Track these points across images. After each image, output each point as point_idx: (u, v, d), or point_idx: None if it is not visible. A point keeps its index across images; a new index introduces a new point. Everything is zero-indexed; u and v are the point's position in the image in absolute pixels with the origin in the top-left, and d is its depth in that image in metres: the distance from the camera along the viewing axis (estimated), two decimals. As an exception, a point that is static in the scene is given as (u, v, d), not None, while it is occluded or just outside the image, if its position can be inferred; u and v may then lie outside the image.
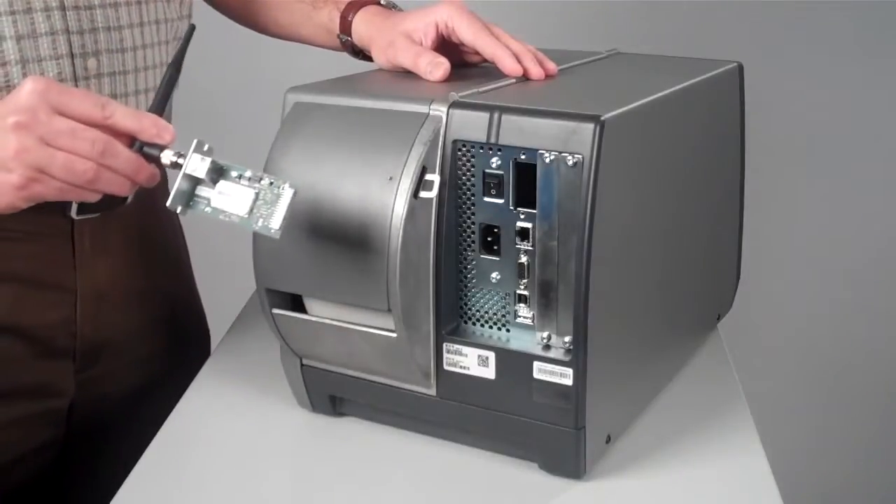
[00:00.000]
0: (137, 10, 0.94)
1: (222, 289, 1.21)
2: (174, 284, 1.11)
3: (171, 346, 1.08)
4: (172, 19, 0.99)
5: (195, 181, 0.76)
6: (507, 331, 0.82)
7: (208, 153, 0.76)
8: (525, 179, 0.79)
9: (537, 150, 0.77)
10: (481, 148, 0.78)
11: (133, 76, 0.94)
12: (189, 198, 0.76)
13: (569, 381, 0.79)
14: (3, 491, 0.97)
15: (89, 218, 0.94)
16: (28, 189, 0.75)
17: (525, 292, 0.80)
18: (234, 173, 0.76)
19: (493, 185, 0.80)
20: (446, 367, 0.83)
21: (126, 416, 1.02)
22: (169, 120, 1.00)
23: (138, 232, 1.02)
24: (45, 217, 0.91)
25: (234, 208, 0.76)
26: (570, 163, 0.76)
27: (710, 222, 1.02)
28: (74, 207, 0.93)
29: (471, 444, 0.87)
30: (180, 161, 0.76)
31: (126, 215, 0.99)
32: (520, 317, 0.81)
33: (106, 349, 0.99)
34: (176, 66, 0.82)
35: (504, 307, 0.82)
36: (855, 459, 1.97)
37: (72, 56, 0.89)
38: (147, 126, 0.77)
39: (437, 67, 0.90)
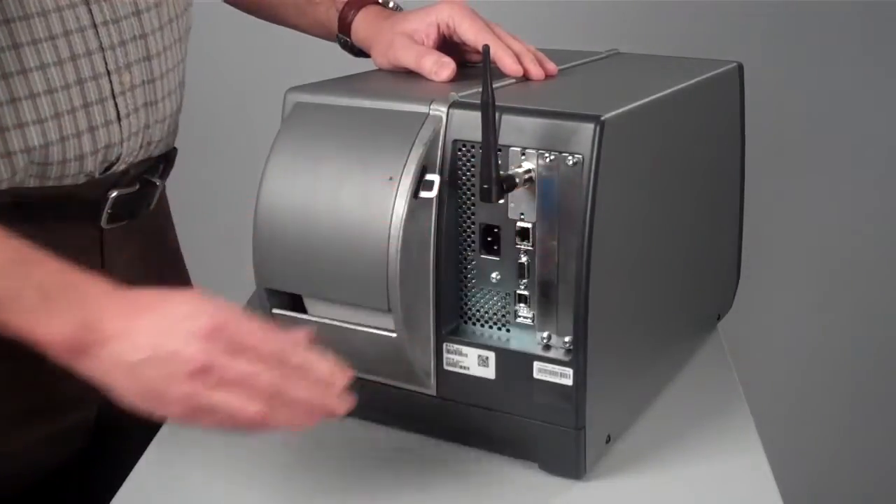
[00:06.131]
0: (157, 13, 0.93)
1: (222, 289, 1.21)
2: (176, 283, 1.11)
3: None
4: (180, 14, 0.98)
5: None
6: (507, 331, 0.82)
7: None
8: (525, 179, 0.79)
9: (537, 149, 0.77)
10: (481, 148, 0.78)
11: (160, 82, 0.94)
12: None
13: (569, 381, 0.79)
14: (32, 500, 0.97)
15: (117, 226, 0.94)
16: (182, 421, 0.72)
17: (525, 292, 0.80)
18: None
19: (493, 184, 0.79)
20: (446, 367, 0.83)
21: (139, 419, 1.01)
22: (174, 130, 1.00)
23: (151, 235, 1.02)
24: (76, 229, 0.92)
25: None
26: (570, 163, 0.76)
27: (710, 222, 1.02)
28: (105, 217, 0.93)
29: (471, 444, 0.87)
30: None
31: (142, 221, 0.99)
32: (520, 317, 0.81)
33: None
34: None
35: (504, 307, 0.82)
36: (855, 459, 1.97)
37: (108, 73, 0.88)
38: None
39: (443, 67, 0.90)
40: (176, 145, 1.03)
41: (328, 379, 0.72)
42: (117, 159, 0.91)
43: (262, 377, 0.69)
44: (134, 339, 0.69)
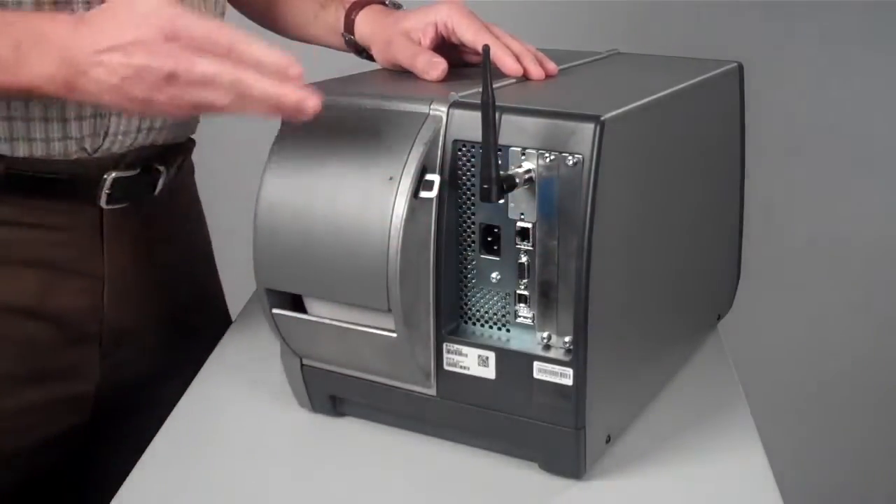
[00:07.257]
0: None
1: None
2: (197, 278, 1.12)
3: (191, 336, 1.08)
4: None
5: None
6: (507, 331, 0.82)
7: None
8: (525, 179, 0.78)
9: (537, 149, 0.77)
10: (481, 148, 0.78)
11: None
12: None
13: (569, 381, 0.79)
14: (29, 474, 0.98)
15: (118, 208, 0.95)
16: (175, 115, 0.79)
17: (525, 292, 0.80)
18: None
19: (493, 184, 0.79)
20: (446, 367, 0.83)
21: (146, 404, 1.02)
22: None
23: (164, 224, 1.03)
24: (75, 207, 0.93)
25: None
26: (570, 163, 0.76)
27: (710, 222, 1.02)
28: (104, 198, 0.94)
29: (471, 444, 0.87)
30: None
31: (153, 207, 1.00)
32: (520, 317, 0.81)
33: (127, 336, 1.00)
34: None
35: (504, 307, 0.82)
36: (855, 459, 1.97)
37: None
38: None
39: (434, 67, 0.90)
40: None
41: (281, 69, 0.76)
42: (107, 133, 0.91)
43: (224, 75, 0.74)
44: (107, 64, 0.75)
